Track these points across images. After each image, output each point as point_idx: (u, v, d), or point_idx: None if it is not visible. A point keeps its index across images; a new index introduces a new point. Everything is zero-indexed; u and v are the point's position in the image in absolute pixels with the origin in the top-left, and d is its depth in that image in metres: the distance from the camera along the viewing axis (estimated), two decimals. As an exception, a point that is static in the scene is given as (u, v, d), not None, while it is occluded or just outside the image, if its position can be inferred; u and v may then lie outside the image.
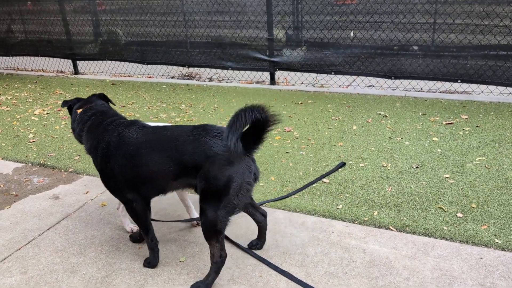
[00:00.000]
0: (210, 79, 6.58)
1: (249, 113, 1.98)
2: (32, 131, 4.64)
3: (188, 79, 6.69)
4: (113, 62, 7.27)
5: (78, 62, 7.46)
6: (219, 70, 6.75)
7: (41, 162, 3.86)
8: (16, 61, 8.21)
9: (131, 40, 6.98)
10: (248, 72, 6.35)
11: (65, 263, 2.48)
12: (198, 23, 6.40)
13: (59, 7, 7.19)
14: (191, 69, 6.97)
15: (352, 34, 5.61)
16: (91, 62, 7.52)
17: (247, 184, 2.11)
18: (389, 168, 3.37)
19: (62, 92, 6.15)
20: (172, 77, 6.84)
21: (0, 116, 5.21)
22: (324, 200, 2.96)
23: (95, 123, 2.45)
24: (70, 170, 3.68)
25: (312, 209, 2.86)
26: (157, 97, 5.68)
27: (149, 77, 6.92)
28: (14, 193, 3.35)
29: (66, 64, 7.73)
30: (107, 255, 2.52)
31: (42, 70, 7.87)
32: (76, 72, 7.41)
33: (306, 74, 6.05)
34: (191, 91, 5.92)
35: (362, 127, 4.23)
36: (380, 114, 4.55)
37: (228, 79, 6.46)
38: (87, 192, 3.27)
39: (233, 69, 6.31)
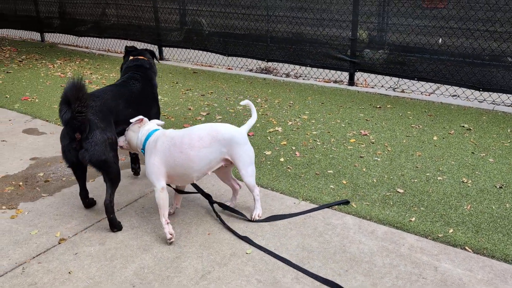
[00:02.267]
0: (287, 75, 6.59)
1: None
2: (117, 111, 4.92)
3: (266, 73, 6.75)
4: (196, 51, 7.52)
5: (163, 48, 7.79)
6: (297, 67, 6.76)
7: (124, 141, 4.09)
8: (107, 42, 8.74)
9: (214, 31, 7.16)
10: (326, 71, 6.29)
11: (139, 240, 2.62)
12: (281, 18, 6.42)
13: (151, -5, 7.54)
14: (269, 64, 7.03)
15: (440, 40, 5.35)
16: (175, 49, 7.83)
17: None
18: (469, 185, 3.19)
19: (147, 76, 6.46)
20: (250, 70, 6.93)
21: (90, 94, 5.59)
22: (396, 211, 2.87)
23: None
24: (149, 151, 3.87)
25: (384, 218, 2.79)
26: (235, 88, 5.80)
27: (229, 69, 7.07)
28: (98, 167, 3.58)
29: (152, 49, 8.09)
30: (178, 237, 2.63)
31: (130, 53, 8.31)
32: (161, 57, 7.75)
33: (387, 77, 5.87)
34: (268, 85, 5.97)
35: (443, 138, 4.03)
36: (463, 126, 4.31)
37: (306, 76, 6.43)
38: (164, 175, 3.42)
39: (312, 66, 6.27)
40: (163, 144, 2.62)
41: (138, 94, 3.14)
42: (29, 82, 6.16)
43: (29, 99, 5.38)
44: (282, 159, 3.65)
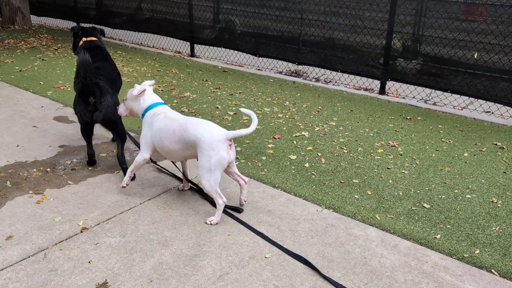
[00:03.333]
0: (317, 80, 6.54)
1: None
2: (146, 105, 4.97)
3: (295, 76, 6.71)
4: (226, 49, 7.54)
5: (195, 45, 7.84)
6: (327, 72, 6.69)
7: (151, 135, 4.13)
8: (140, 36, 8.85)
9: (247, 31, 7.17)
10: (357, 78, 6.21)
11: (160, 235, 2.63)
12: (314, 22, 6.37)
13: (187, -8, 7.60)
14: (299, 67, 6.99)
15: (476, 55, 5.21)
16: (206, 47, 7.87)
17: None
18: (499, 205, 3.08)
19: (177, 72, 6.51)
20: (280, 72, 6.90)
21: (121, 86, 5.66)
22: (421, 226, 2.80)
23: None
24: (175, 147, 3.89)
25: (408, 233, 2.72)
26: (263, 90, 5.78)
27: (258, 69, 7.06)
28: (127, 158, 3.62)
29: (184, 46, 8.16)
30: (198, 236, 2.63)
31: (162, 48, 8.41)
32: (192, 54, 7.80)
33: (419, 89, 5.76)
34: (297, 89, 5.93)
35: (474, 155, 3.92)
36: (496, 144, 4.18)
37: (336, 82, 6.36)
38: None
39: (343, 72, 6.20)
40: (156, 123, 2.87)
41: (113, 69, 3.75)
42: (63, 71, 6.29)
43: (62, 87, 5.50)
44: (307, 165, 3.61)
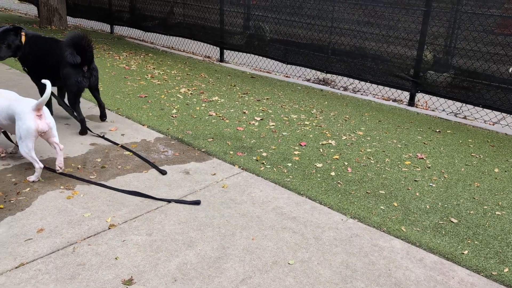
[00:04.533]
0: (345, 89, 6.51)
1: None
2: (176, 107, 5.06)
3: (323, 84, 6.70)
4: (255, 55, 7.59)
5: (224, 50, 7.93)
6: (355, 81, 6.66)
7: (179, 137, 4.19)
8: (172, 40, 9.01)
9: (276, 38, 7.20)
10: (386, 88, 6.16)
11: (185, 236, 2.66)
12: (345, 31, 6.36)
13: (219, -2, 7.70)
14: (327, 75, 6.97)
15: (510, 70, 5.10)
16: (235, 52, 7.95)
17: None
18: (530, 224, 3.00)
19: (206, 76, 6.59)
20: (308, 80, 6.91)
21: (151, 88, 5.78)
22: (448, 241, 2.75)
23: None
24: (202, 150, 3.93)
25: (434, 247, 2.68)
26: (291, 97, 5.79)
27: (286, 76, 7.08)
28: (152, 160, 3.69)
29: (213, 51, 8.26)
30: (223, 238, 2.65)
31: (192, 52, 8.53)
32: (222, 59, 7.89)
33: (449, 102, 5.67)
34: (325, 97, 5.92)
35: (505, 171, 3.83)
36: (529, 161, 4.08)
37: (364, 91, 6.33)
38: (214, 174, 3.47)
39: (372, 82, 6.16)
40: None
41: None
42: (96, 71, 6.45)
43: (95, 87, 5.63)
44: (333, 173, 3.60)
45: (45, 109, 3.22)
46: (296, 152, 3.98)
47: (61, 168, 3.31)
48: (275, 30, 7.19)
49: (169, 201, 3.04)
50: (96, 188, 3.17)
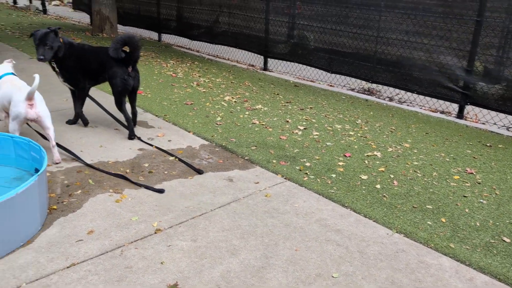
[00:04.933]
0: (391, 99, 6.40)
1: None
2: (220, 115, 5.13)
3: (368, 94, 6.61)
4: (298, 64, 7.59)
5: (268, 59, 7.97)
6: (401, 92, 6.53)
7: (223, 144, 4.25)
8: (217, 48, 9.16)
9: (320, 47, 7.18)
10: (433, 99, 6.00)
11: (228, 243, 2.69)
12: (392, 41, 6.26)
13: (265, 7, 7.77)
14: (372, 85, 6.87)
15: None
16: (278, 61, 7.98)
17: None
18: None
19: (250, 85, 6.65)
20: (352, 90, 6.83)
21: (197, 95, 5.89)
22: (500, 261, 2.64)
23: None
24: (246, 158, 3.97)
25: (485, 266, 2.58)
26: (335, 106, 5.75)
27: (330, 85, 7.03)
28: (197, 166, 3.75)
29: (257, 59, 8.33)
30: (266, 248, 2.66)
31: (236, 61, 8.64)
32: (265, 68, 7.94)
33: (501, 115, 5.45)
34: (370, 107, 5.83)
35: None
36: None
37: (411, 102, 6.19)
38: (257, 183, 3.49)
39: (418, 93, 6.02)
40: (2, 89, 3.65)
41: None
42: (144, 78, 6.65)
43: (143, 94, 5.81)
44: (378, 186, 3.54)
45: (38, 100, 3.58)
46: (340, 163, 3.93)
47: (57, 162, 3.66)
48: (320, 39, 7.17)
49: (140, 185, 3.37)
50: (143, 193, 3.26)
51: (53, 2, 18.63)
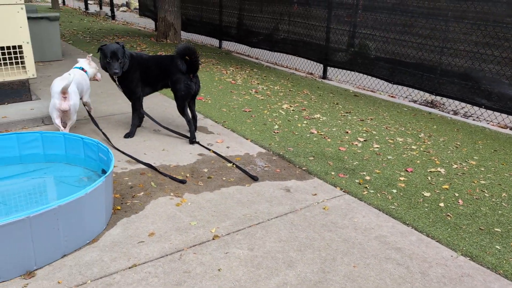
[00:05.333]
0: (455, 112, 6.12)
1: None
2: (277, 123, 5.13)
3: (431, 107, 6.36)
4: (358, 73, 7.45)
5: (328, 67, 7.90)
6: (467, 105, 6.23)
7: (281, 153, 4.24)
8: (275, 56, 9.20)
9: (382, 56, 7.01)
10: (503, 115, 5.67)
11: (285, 255, 2.67)
12: (459, 52, 5.99)
13: (326, 15, 7.71)
14: (437, 98, 6.61)
15: None
16: (337, 69, 7.88)
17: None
18: None
19: (308, 93, 6.61)
20: (414, 101, 6.61)
21: (255, 103, 5.93)
22: None
23: None
24: (303, 168, 3.94)
25: (561, 299, 2.39)
26: (396, 118, 5.58)
27: (391, 96, 6.84)
28: (254, 174, 3.77)
29: (316, 67, 8.27)
30: (323, 262, 2.61)
31: (295, 68, 8.63)
32: (324, 77, 7.87)
33: None
34: (433, 120, 5.61)
35: None
36: None
37: (477, 117, 5.89)
38: (315, 194, 3.45)
39: (486, 107, 5.72)
40: None
41: None
42: (205, 84, 6.80)
43: (203, 100, 5.94)
44: (441, 204, 3.38)
45: (72, 93, 4.03)
46: (401, 178, 3.81)
47: None
48: (382, 49, 7.01)
49: (165, 175, 3.64)
50: (202, 198, 3.32)
51: (121, 8, 19.55)
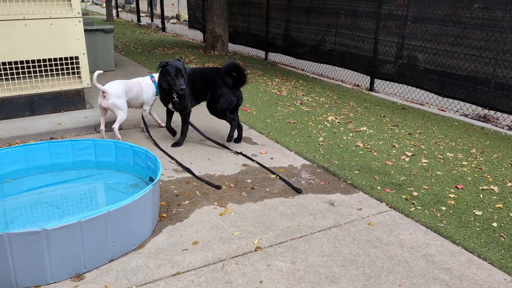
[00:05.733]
0: (510, 128, 5.84)
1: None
2: (322, 135, 5.09)
3: (483, 121, 6.10)
4: (406, 86, 7.28)
5: (375, 79, 7.77)
6: (525, 120, 5.93)
7: (325, 166, 4.20)
8: (321, 67, 9.16)
9: (431, 68, 6.81)
10: None
11: (328, 270, 2.63)
12: (516, 64, 5.72)
13: (374, 26, 7.61)
14: (490, 112, 6.34)
15: None
16: (385, 81, 7.73)
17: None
18: None
19: (355, 105, 6.53)
20: (466, 115, 6.37)
21: (300, 114, 5.92)
22: None
23: None
24: (348, 182, 3.88)
25: None
26: (446, 133, 5.40)
27: (441, 110, 6.63)
28: (298, 187, 3.75)
29: (363, 79, 8.16)
30: (367, 279, 2.55)
31: (341, 80, 8.55)
32: (371, 89, 7.74)
33: None
34: (486, 136, 5.38)
35: None
36: None
37: (535, 133, 5.59)
38: (360, 209, 3.38)
39: (545, 123, 5.41)
40: None
41: None
42: (250, 95, 6.86)
43: (248, 110, 5.99)
44: (495, 224, 3.23)
45: (113, 94, 4.41)
46: (451, 195, 3.67)
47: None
48: (432, 60, 6.82)
49: (202, 180, 3.81)
50: (245, 208, 3.34)
51: (171, 21, 20.15)
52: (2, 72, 4.95)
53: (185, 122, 4.57)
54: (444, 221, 3.23)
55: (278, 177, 3.90)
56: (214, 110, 4.50)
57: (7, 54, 4.88)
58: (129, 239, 2.76)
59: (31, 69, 5.13)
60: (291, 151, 4.58)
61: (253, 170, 4.05)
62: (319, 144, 4.79)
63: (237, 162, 4.21)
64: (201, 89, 4.51)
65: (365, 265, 2.69)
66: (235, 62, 4.35)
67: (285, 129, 5.25)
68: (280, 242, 2.91)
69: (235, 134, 4.68)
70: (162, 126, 5.13)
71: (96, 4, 29.59)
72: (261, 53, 11.23)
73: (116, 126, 4.48)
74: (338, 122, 5.64)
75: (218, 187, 3.64)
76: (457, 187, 3.83)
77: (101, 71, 4.55)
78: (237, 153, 4.40)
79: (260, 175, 3.95)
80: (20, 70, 5.05)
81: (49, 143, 3.69)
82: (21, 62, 5.04)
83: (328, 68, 8.98)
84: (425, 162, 4.37)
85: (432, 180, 3.95)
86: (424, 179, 3.97)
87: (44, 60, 5.15)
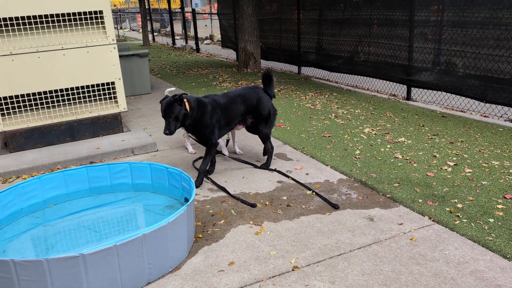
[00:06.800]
0: (562, 131, 5.50)
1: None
2: (359, 148, 4.97)
3: (532, 126, 5.79)
4: (445, 93, 7.03)
5: (412, 88, 7.56)
6: None
7: (363, 179, 4.08)
8: (355, 79, 9.02)
9: (471, 74, 6.56)
10: None
11: (369, 289, 2.52)
12: None
13: (408, 33, 7.43)
14: (538, 116, 6.01)
15: None
16: (423, 90, 7.51)
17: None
18: None
19: (392, 116, 6.36)
20: (511, 121, 6.06)
21: (335, 127, 5.82)
22: None
23: None
24: (387, 195, 3.74)
25: None
26: (491, 140, 5.15)
27: (484, 116, 6.35)
28: (334, 202, 3.65)
29: (399, 88, 7.97)
30: (411, 299, 2.42)
31: (377, 91, 8.38)
32: (408, 98, 7.54)
33: None
34: (534, 141, 5.09)
35: None
36: None
37: None
38: (401, 224, 3.25)
39: None
40: None
41: None
42: (284, 110, 6.83)
43: (282, 126, 5.95)
44: (549, 236, 3.01)
45: None
46: (499, 206, 3.46)
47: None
48: (471, 65, 6.57)
49: (237, 198, 3.83)
50: (282, 226, 3.27)
51: (205, 41, 20.54)
52: (44, 100, 5.15)
53: (208, 153, 4.11)
54: (492, 234, 3.05)
55: (314, 193, 3.82)
56: (263, 130, 4.44)
57: (48, 83, 5.09)
58: (166, 261, 2.75)
59: (70, 96, 5.32)
60: (326, 165, 4.49)
61: (288, 187, 3.99)
62: (355, 157, 4.67)
63: (272, 179, 4.17)
64: (237, 115, 4.25)
65: (409, 283, 2.56)
66: (269, 73, 4.50)
67: (320, 144, 5.16)
68: (318, 261, 2.83)
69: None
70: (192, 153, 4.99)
71: (134, 30, 30.64)
72: (294, 68, 11.21)
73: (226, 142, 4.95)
74: (375, 134, 5.50)
75: (253, 205, 3.61)
76: (505, 197, 3.61)
77: (173, 88, 4.70)
78: (271, 170, 4.36)
79: (295, 192, 3.88)
80: (60, 98, 5.25)
81: (87, 167, 3.78)
82: (61, 90, 5.23)
83: (363, 79, 8.83)
84: (469, 172, 4.17)
85: (478, 191, 3.75)
86: (468, 189, 3.78)
87: (82, 87, 5.33)
